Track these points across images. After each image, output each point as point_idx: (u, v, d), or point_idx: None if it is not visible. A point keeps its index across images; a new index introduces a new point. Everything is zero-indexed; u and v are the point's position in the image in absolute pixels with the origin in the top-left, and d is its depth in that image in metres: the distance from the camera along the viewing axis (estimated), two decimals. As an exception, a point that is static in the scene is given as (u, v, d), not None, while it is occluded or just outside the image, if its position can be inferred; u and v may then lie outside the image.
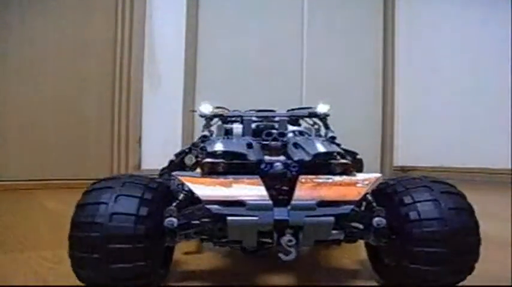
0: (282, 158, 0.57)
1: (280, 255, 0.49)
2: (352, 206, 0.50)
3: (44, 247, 0.79)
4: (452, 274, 0.52)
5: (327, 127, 0.73)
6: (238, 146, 0.58)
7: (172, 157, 0.76)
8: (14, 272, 0.64)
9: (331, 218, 0.49)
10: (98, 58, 1.97)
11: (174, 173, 0.55)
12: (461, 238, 0.50)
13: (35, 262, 0.69)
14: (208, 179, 0.52)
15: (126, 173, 1.86)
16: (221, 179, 0.52)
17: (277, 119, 0.73)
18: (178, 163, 0.72)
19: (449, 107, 2.52)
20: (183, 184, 0.54)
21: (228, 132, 0.72)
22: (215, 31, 2.21)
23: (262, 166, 0.55)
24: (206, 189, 0.50)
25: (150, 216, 0.50)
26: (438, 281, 0.52)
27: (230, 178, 0.52)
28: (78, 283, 0.51)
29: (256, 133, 0.68)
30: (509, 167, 2.20)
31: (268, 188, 0.51)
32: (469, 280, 0.53)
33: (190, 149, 0.73)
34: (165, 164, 0.78)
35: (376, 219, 0.53)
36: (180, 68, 2.08)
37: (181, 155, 0.74)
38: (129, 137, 1.97)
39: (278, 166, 0.55)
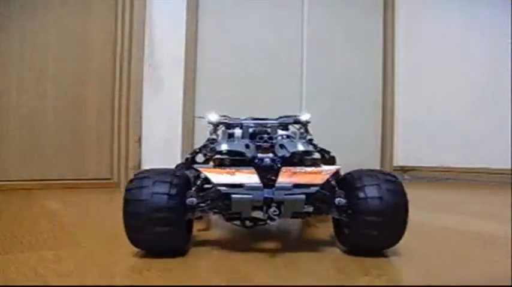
0: (270, 155, 0.84)
1: (268, 221, 0.77)
2: (317, 188, 0.77)
3: (44, 247, 0.85)
4: (388, 237, 0.79)
5: (307, 131, 1.01)
6: (238, 146, 0.85)
7: (183, 156, 1.09)
8: (14, 272, 0.68)
9: (303, 196, 0.75)
10: (98, 59, 2.08)
11: (194, 165, 0.84)
12: (394, 211, 0.76)
13: (35, 262, 0.74)
14: (218, 170, 0.80)
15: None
16: (227, 170, 0.79)
17: (269, 125, 1.02)
18: (191, 160, 1.05)
19: (449, 107, 2.67)
20: (199, 173, 0.83)
21: (231, 136, 0.98)
22: (215, 32, 2.31)
23: (256, 161, 0.82)
24: (217, 176, 0.77)
25: (177, 195, 0.75)
26: (378, 243, 0.80)
27: (233, 169, 0.79)
28: (78, 282, 0.64)
29: (252, 136, 0.95)
30: (509, 167, 2.33)
31: (260, 176, 0.78)
32: (469, 279, 0.66)
33: (200, 149, 1.05)
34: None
35: (338, 199, 0.80)
36: (180, 69, 2.19)
37: (193, 154, 1.06)
38: (129, 137, 2.09)
39: (267, 160, 0.82)
